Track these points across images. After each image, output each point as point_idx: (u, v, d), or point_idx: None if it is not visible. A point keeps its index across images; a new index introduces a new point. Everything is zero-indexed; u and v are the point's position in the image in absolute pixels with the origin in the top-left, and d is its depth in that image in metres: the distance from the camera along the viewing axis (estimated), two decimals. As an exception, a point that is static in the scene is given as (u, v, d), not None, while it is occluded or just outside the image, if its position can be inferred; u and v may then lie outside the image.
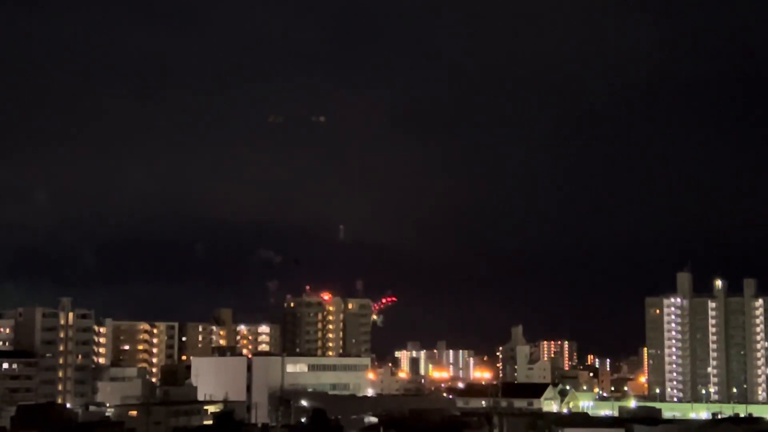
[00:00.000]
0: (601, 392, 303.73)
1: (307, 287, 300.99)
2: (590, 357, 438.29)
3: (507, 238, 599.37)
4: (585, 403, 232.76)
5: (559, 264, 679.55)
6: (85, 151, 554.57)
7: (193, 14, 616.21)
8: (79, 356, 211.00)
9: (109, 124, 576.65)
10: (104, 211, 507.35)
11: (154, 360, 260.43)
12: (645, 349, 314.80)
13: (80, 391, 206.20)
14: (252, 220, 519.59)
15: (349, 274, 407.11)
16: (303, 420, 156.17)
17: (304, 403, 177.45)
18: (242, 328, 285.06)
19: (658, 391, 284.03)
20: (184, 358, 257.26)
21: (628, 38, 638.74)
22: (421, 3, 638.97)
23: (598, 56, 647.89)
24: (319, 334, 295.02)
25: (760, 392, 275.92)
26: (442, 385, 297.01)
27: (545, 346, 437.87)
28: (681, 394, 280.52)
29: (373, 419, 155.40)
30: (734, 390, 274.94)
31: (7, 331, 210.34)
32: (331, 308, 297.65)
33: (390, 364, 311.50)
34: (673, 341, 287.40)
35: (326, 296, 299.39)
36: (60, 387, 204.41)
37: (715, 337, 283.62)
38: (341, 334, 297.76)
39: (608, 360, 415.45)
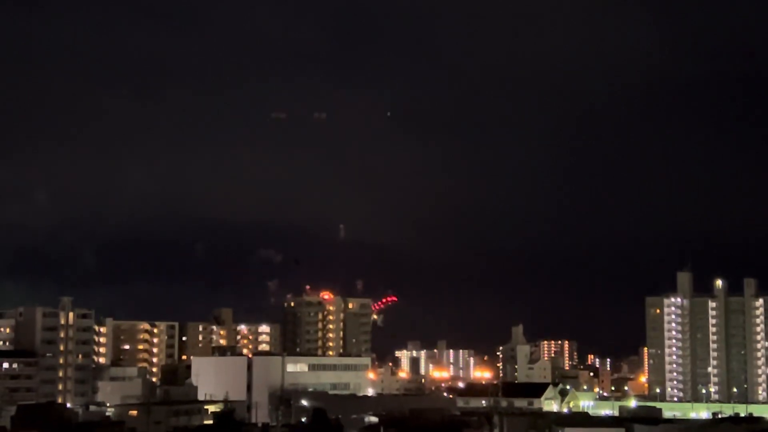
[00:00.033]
0: (601, 392, 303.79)
1: (308, 287, 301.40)
2: (590, 357, 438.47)
3: (507, 238, 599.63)
4: (585, 403, 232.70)
5: (559, 264, 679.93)
6: (85, 151, 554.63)
7: (193, 14, 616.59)
8: (80, 356, 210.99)
9: (109, 124, 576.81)
10: (104, 211, 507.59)
11: (155, 360, 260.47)
12: (645, 348, 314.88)
13: (80, 390, 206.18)
14: (252, 220, 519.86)
15: (349, 274, 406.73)
16: (303, 419, 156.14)
17: (304, 402, 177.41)
18: (242, 328, 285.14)
19: (658, 390, 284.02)
20: (184, 357, 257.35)
21: (628, 38, 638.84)
22: (421, 3, 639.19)
23: (598, 56, 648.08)
24: (320, 333, 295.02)
25: (760, 392, 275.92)
26: (443, 384, 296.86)
27: (545, 345, 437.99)
28: (681, 394, 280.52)
29: (374, 419, 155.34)
30: (734, 390, 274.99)
31: (8, 330, 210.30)
32: (331, 308, 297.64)
33: (390, 364, 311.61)
34: (674, 341, 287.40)
35: (326, 295, 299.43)
36: (60, 386, 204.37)
37: (715, 337, 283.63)
38: (341, 333, 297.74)
39: (608, 360, 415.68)
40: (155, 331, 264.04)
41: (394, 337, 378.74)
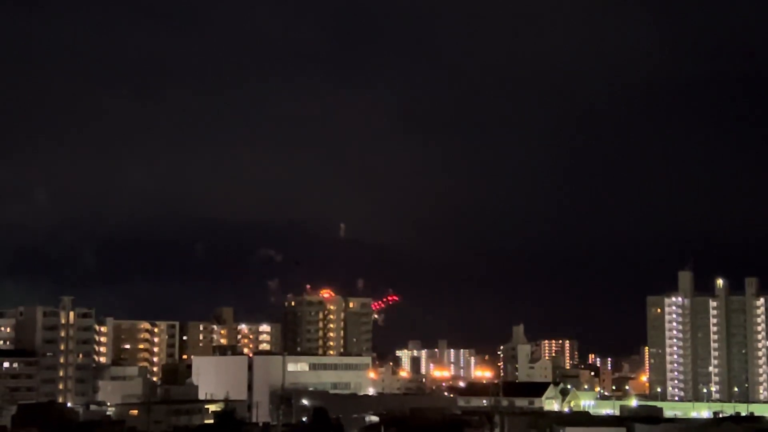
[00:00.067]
0: (602, 391, 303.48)
1: (308, 286, 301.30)
2: (591, 356, 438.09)
3: (507, 238, 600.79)
4: (586, 402, 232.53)
5: (560, 264, 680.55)
6: (85, 151, 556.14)
7: (193, 14, 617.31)
8: (80, 355, 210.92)
9: (109, 124, 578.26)
10: (104, 211, 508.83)
11: (155, 359, 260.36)
12: (646, 348, 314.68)
13: (81, 390, 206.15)
14: (252, 219, 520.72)
15: (350, 274, 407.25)
16: (304, 419, 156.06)
17: (305, 402, 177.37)
18: (243, 327, 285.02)
19: (659, 390, 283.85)
20: (185, 357, 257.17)
21: (628, 38, 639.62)
22: (421, 3, 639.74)
23: (598, 56, 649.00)
24: (320, 333, 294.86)
25: (761, 391, 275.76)
26: (443, 384, 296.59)
27: (546, 345, 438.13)
28: (682, 393, 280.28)
29: (374, 418, 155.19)
30: (735, 389, 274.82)
31: (8, 330, 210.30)
32: (331, 307, 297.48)
33: (391, 363, 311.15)
34: (675, 340, 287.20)
35: (326, 294, 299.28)
36: (61, 386, 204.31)
37: (716, 336, 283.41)
38: (342, 333, 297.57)
39: (609, 359, 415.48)
40: (156, 330, 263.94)
41: (394, 336, 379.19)
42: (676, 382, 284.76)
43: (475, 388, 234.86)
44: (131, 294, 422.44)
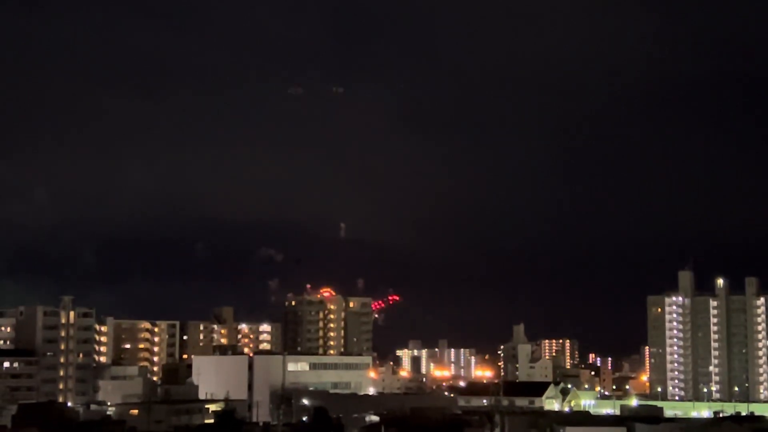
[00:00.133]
0: (602, 391, 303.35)
1: (308, 286, 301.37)
2: (592, 356, 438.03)
3: (507, 238, 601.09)
4: (586, 402, 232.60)
5: (560, 263, 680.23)
6: (85, 151, 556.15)
7: (193, 14, 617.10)
8: (81, 355, 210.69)
9: (109, 124, 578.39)
10: (104, 211, 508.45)
11: (156, 359, 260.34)
12: (646, 347, 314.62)
13: (81, 389, 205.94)
14: (252, 219, 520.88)
15: (350, 274, 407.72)
16: (304, 419, 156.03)
17: (305, 401, 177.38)
18: (243, 327, 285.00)
19: (659, 389, 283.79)
20: (185, 356, 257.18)
21: (628, 38, 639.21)
22: (421, 3, 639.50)
23: (598, 56, 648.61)
24: (321, 332, 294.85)
25: (761, 391, 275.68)
26: (444, 383, 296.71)
27: (547, 344, 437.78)
28: (683, 393, 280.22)
29: (375, 418, 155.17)
30: (736, 388, 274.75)
31: (8, 329, 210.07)
32: (332, 307, 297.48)
33: (391, 363, 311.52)
34: (675, 340, 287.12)
35: (327, 294, 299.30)
36: (61, 386, 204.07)
37: (716, 336, 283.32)
38: (342, 332, 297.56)
39: (610, 359, 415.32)
40: (156, 330, 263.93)
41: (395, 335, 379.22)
42: (676, 381, 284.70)
43: (475, 388, 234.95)
44: (131, 294, 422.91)
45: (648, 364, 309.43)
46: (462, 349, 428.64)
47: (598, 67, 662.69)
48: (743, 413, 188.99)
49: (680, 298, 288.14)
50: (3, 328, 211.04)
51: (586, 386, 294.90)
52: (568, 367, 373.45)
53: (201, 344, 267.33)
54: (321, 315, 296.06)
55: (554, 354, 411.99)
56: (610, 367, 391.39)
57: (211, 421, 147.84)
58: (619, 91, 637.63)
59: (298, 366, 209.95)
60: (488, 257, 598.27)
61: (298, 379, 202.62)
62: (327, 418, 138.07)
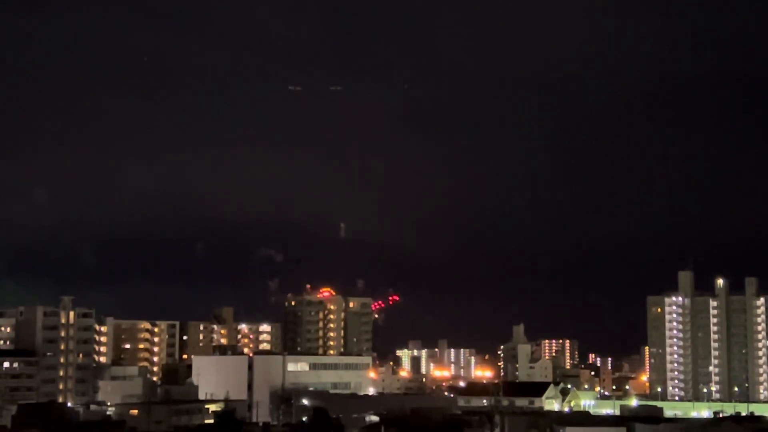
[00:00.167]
0: (602, 391, 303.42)
1: (308, 286, 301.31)
2: (591, 356, 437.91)
3: (507, 238, 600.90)
4: (586, 402, 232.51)
5: (560, 263, 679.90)
6: (85, 151, 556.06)
7: (193, 14, 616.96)
8: (80, 355, 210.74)
9: (109, 124, 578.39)
10: (104, 211, 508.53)
11: (155, 359, 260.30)
12: (646, 347, 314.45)
13: (81, 390, 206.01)
14: (252, 219, 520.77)
15: (350, 274, 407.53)
16: (304, 419, 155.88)
17: (305, 401, 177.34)
18: (243, 327, 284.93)
19: (659, 389, 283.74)
20: (185, 356, 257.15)
21: (628, 38, 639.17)
22: (421, 3, 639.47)
23: (598, 56, 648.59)
24: (320, 332, 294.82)
25: (761, 391, 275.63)
26: (444, 383, 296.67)
27: (546, 345, 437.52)
28: (682, 393, 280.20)
29: (375, 418, 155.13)
30: (736, 389, 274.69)
31: (8, 329, 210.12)
32: (332, 307, 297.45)
33: (391, 363, 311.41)
34: (675, 340, 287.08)
35: (327, 294, 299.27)
36: (61, 386, 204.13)
37: (716, 336, 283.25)
38: (342, 332, 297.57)
39: (610, 359, 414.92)
40: (156, 330, 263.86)
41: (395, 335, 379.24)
42: (676, 381, 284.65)
43: (475, 388, 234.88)
44: (131, 294, 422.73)
45: (648, 365, 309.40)
46: (462, 350, 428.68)
47: (598, 67, 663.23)
48: (743, 413, 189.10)
49: (680, 298, 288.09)
50: (3, 328, 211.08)
51: (586, 386, 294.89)
52: (568, 367, 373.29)
53: (201, 344, 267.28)
54: (321, 315, 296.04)
55: (554, 354, 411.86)
56: (610, 367, 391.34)
57: (211, 421, 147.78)
58: (619, 91, 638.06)
59: (297, 366, 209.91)
60: (488, 257, 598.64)
61: (298, 379, 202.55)
62: (327, 418, 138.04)
